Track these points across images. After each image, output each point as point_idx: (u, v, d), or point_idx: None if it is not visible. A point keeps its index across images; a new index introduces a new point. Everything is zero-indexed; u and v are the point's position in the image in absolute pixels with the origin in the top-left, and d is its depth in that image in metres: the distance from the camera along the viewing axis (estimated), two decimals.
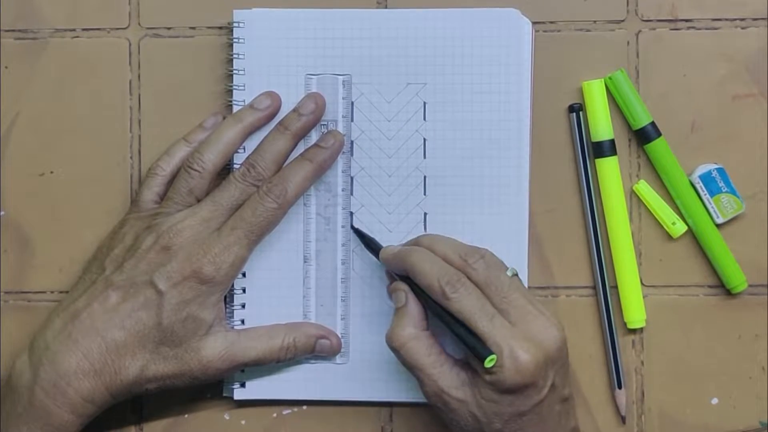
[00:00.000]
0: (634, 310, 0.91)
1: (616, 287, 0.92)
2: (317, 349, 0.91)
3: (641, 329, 0.92)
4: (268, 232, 0.89)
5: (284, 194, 0.88)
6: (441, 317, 0.84)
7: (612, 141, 0.91)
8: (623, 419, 0.92)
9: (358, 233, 0.91)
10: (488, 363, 0.81)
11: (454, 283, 0.83)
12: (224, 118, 0.91)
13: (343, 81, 0.91)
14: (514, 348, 0.81)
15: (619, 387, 0.91)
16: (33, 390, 0.85)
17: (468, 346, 0.82)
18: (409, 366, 0.85)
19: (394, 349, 0.85)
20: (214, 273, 0.87)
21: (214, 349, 0.88)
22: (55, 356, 0.86)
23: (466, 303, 0.83)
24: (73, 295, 0.88)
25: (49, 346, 0.86)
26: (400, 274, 0.87)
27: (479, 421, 0.83)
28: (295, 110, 0.91)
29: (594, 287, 0.92)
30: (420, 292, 0.86)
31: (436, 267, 0.85)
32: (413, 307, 0.86)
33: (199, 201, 0.89)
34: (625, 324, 0.92)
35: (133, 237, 0.89)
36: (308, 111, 0.90)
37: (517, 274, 0.85)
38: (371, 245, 0.90)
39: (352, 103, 0.91)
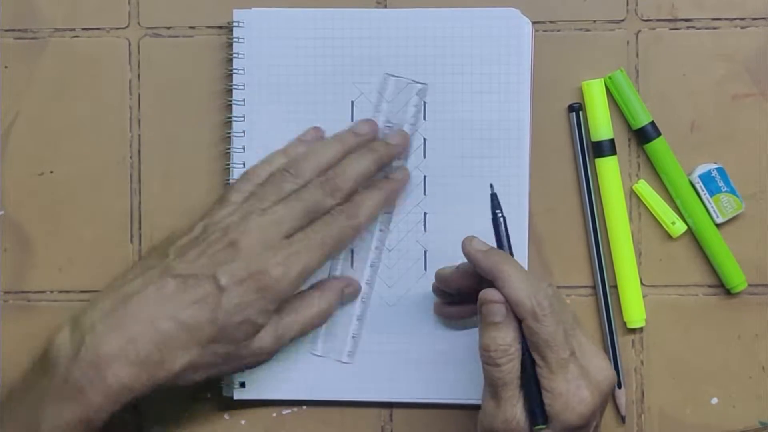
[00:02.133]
0: (634, 310, 0.91)
1: (615, 287, 0.92)
2: (344, 297, 0.90)
3: (641, 329, 0.92)
4: (340, 250, 0.88)
5: (356, 216, 0.86)
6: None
7: (612, 141, 0.91)
8: (623, 419, 0.92)
9: (494, 199, 0.85)
10: (536, 428, 0.79)
11: (545, 305, 0.79)
12: (316, 131, 0.91)
13: (419, 90, 0.91)
14: (582, 387, 0.79)
15: (619, 387, 0.91)
16: (70, 368, 0.81)
17: (531, 396, 0.80)
18: (499, 383, 0.80)
19: (494, 364, 0.80)
20: (280, 277, 0.84)
21: (264, 341, 0.85)
22: (101, 338, 0.81)
23: (553, 329, 0.79)
24: (127, 277, 0.84)
25: (95, 326, 0.82)
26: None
27: None
28: (383, 139, 0.90)
29: (594, 287, 0.92)
30: None
31: (528, 282, 0.80)
32: (512, 325, 0.80)
33: None
34: (624, 324, 0.92)
35: (202, 228, 0.86)
36: (397, 142, 0.90)
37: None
38: (499, 212, 0.84)
39: (352, 103, 0.92)
